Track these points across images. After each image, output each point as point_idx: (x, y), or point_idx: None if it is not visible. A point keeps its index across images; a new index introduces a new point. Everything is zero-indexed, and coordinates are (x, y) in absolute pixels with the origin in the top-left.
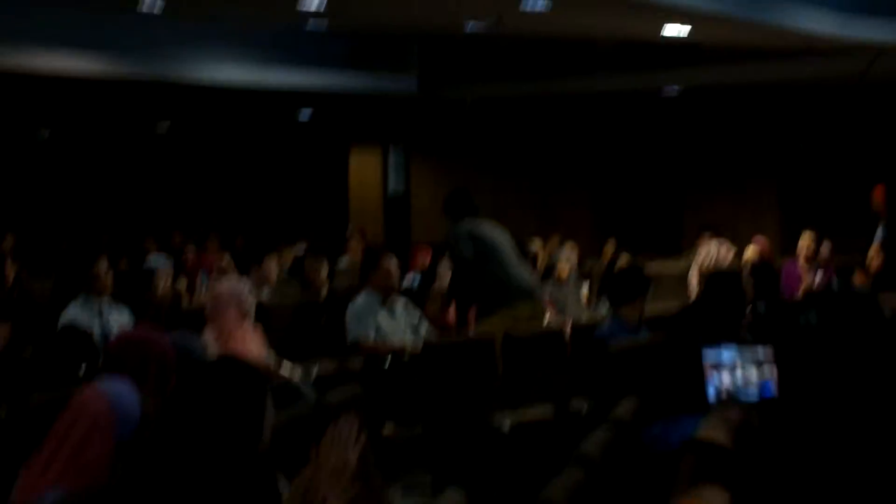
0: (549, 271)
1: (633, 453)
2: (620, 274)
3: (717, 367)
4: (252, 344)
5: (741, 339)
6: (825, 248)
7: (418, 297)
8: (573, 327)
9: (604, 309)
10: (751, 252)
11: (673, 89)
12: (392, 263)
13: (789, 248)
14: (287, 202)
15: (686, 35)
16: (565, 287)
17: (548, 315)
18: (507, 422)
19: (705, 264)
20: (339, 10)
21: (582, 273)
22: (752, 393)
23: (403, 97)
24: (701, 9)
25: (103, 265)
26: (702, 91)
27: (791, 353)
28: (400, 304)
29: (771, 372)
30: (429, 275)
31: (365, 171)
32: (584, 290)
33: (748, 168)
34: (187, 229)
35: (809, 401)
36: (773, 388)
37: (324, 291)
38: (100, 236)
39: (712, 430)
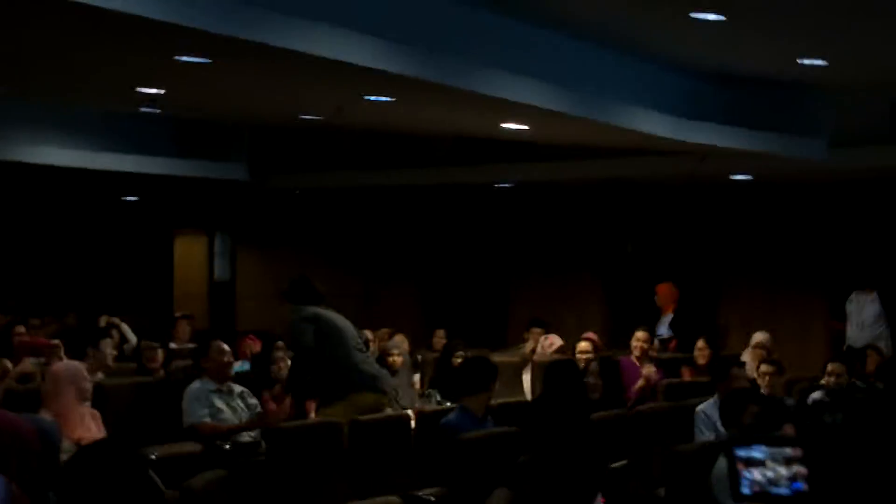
0: (381, 361)
1: None
2: (467, 364)
3: (749, 463)
4: (90, 426)
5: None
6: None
7: (254, 386)
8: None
9: (435, 399)
10: (585, 346)
11: (505, 184)
12: (223, 350)
13: (615, 343)
14: (113, 283)
15: (525, 129)
16: (398, 377)
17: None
18: None
19: (539, 357)
20: (172, 98)
21: (413, 363)
22: (784, 488)
23: (232, 184)
24: (540, 107)
25: None
26: (533, 186)
27: (819, 451)
28: (236, 391)
29: (800, 469)
30: (259, 363)
31: (190, 256)
32: (416, 379)
33: (575, 263)
34: (10, 309)
35: (839, 495)
36: (802, 484)
37: (160, 373)
38: None
39: None
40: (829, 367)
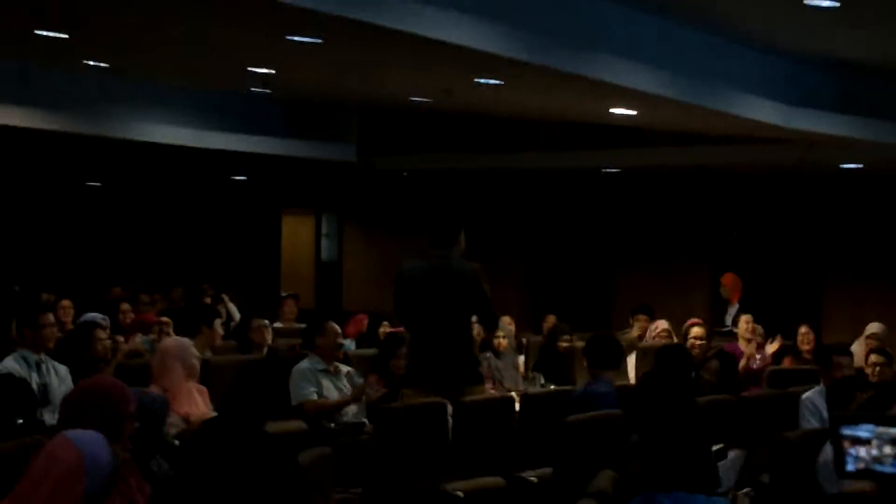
0: (485, 343)
1: None
2: (599, 340)
3: (855, 441)
4: (198, 402)
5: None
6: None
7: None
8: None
9: (539, 382)
10: (699, 331)
11: (613, 169)
12: (337, 331)
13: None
14: (220, 262)
15: (634, 114)
16: (502, 359)
17: (489, 386)
18: (460, 489)
19: (646, 343)
20: (283, 78)
21: (517, 346)
22: (889, 466)
23: (340, 165)
24: (649, 93)
25: (49, 319)
26: (640, 171)
27: None
28: (343, 370)
29: None
30: (364, 343)
31: (298, 236)
32: (520, 362)
33: (681, 249)
34: (123, 285)
35: None
36: None
37: (264, 352)
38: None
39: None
40: None
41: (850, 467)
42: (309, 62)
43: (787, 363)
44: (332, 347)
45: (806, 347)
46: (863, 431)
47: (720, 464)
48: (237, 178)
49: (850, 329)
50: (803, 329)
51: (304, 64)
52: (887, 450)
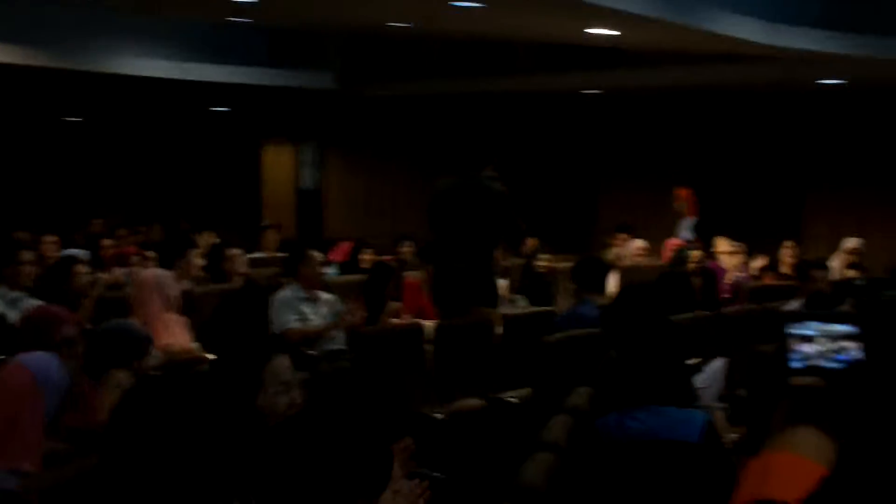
0: None
1: (593, 441)
2: (586, 262)
3: (802, 339)
4: (177, 333)
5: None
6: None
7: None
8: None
9: (521, 304)
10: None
11: (593, 91)
12: (318, 260)
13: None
14: (201, 194)
15: (616, 34)
16: None
17: None
18: (440, 412)
19: (623, 261)
20: (262, 8)
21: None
22: (833, 362)
23: (320, 93)
24: (630, 12)
25: (27, 256)
26: (621, 92)
27: (875, 324)
28: (324, 298)
29: (851, 344)
30: (347, 269)
31: (278, 165)
32: (504, 285)
33: (663, 170)
34: (104, 219)
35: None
36: (856, 355)
37: (240, 282)
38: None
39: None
40: None
41: (795, 364)
42: None
43: (767, 279)
44: (314, 275)
45: (789, 261)
46: (808, 329)
47: (705, 371)
48: (218, 109)
49: (829, 244)
50: (788, 243)
51: None
52: (830, 346)
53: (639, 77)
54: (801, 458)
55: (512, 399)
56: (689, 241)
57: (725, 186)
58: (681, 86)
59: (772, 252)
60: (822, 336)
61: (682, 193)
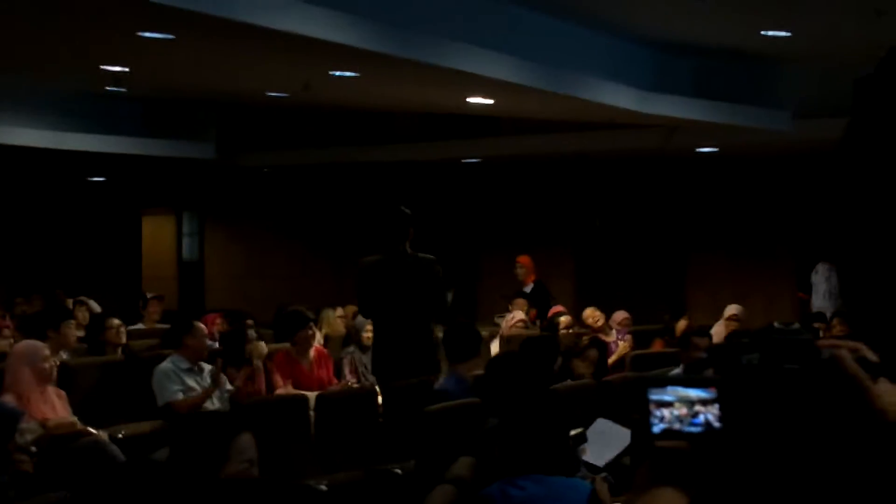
0: (351, 337)
1: None
2: (455, 331)
3: (660, 404)
4: (55, 406)
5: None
6: (620, 315)
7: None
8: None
9: None
10: (567, 320)
11: (472, 159)
12: (205, 331)
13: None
14: (80, 264)
15: (491, 103)
16: (368, 354)
17: (352, 380)
18: (323, 482)
19: (507, 329)
20: (138, 76)
21: None
22: (692, 426)
23: (199, 163)
24: (505, 80)
25: None
26: (500, 161)
27: (733, 391)
28: (206, 369)
29: (707, 408)
30: (229, 341)
31: (159, 236)
32: None
33: (544, 237)
34: None
35: (751, 431)
36: (710, 419)
37: (119, 353)
38: None
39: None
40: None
41: (655, 429)
42: (163, 59)
43: (656, 347)
44: (200, 346)
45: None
46: (666, 395)
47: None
48: (95, 178)
49: (712, 311)
50: (681, 324)
51: (158, 61)
52: (686, 410)
53: (517, 145)
54: None
55: (396, 470)
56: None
57: (607, 255)
58: (561, 153)
59: (658, 320)
60: (679, 401)
61: (522, 261)
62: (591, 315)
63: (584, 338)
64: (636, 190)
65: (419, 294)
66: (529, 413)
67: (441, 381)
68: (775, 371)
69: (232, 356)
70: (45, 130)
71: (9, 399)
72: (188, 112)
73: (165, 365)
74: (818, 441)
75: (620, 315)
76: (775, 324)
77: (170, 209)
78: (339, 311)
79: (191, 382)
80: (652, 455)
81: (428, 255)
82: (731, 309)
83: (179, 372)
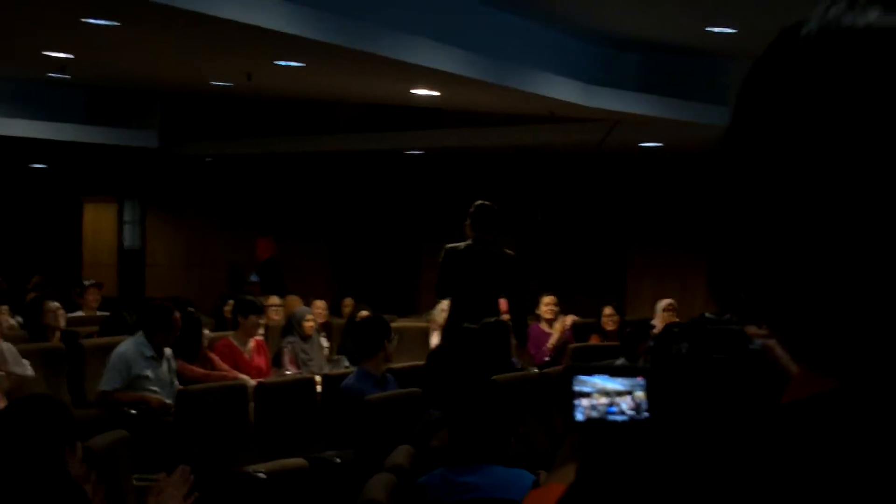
0: (292, 327)
1: (417, 500)
2: (360, 326)
3: (586, 394)
4: None
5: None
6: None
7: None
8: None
9: (343, 364)
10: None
11: (416, 151)
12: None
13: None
14: (20, 251)
15: (436, 95)
16: (310, 343)
17: (293, 369)
18: (262, 470)
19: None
20: (81, 63)
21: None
22: (616, 415)
23: (142, 151)
24: (449, 72)
25: None
26: (443, 153)
27: (661, 381)
28: (167, 354)
29: (633, 398)
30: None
31: (100, 223)
32: (326, 345)
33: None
34: None
35: (679, 420)
36: (634, 412)
37: (57, 337)
38: None
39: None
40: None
41: (579, 416)
42: (107, 46)
43: (593, 340)
44: (169, 335)
45: (611, 328)
46: (585, 387)
47: None
48: (36, 165)
49: (653, 305)
50: (607, 310)
51: (103, 48)
52: (604, 400)
53: (462, 137)
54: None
55: (335, 459)
56: (253, 283)
57: (549, 248)
58: (504, 146)
59: (597, 312)
60: (597, 392)
61: (260, 243)
62: (547, 302)
63: None
64: (579, 184)
65: (496, 285)
66: (471, 404)
67: (349, 379)
68: (703, 361)
69: (185, 349)
70: None
71: None
72: (132, 100)
73: (129, 348)
74: (743, 430)
75: (548, 299)
76: (707, 314)
77: (111, 197)
78: (277, 300)
79: (147, 372)
80: (571, 438)
81: (510, 251)
82: (664, 302)
83: (140, 359)
